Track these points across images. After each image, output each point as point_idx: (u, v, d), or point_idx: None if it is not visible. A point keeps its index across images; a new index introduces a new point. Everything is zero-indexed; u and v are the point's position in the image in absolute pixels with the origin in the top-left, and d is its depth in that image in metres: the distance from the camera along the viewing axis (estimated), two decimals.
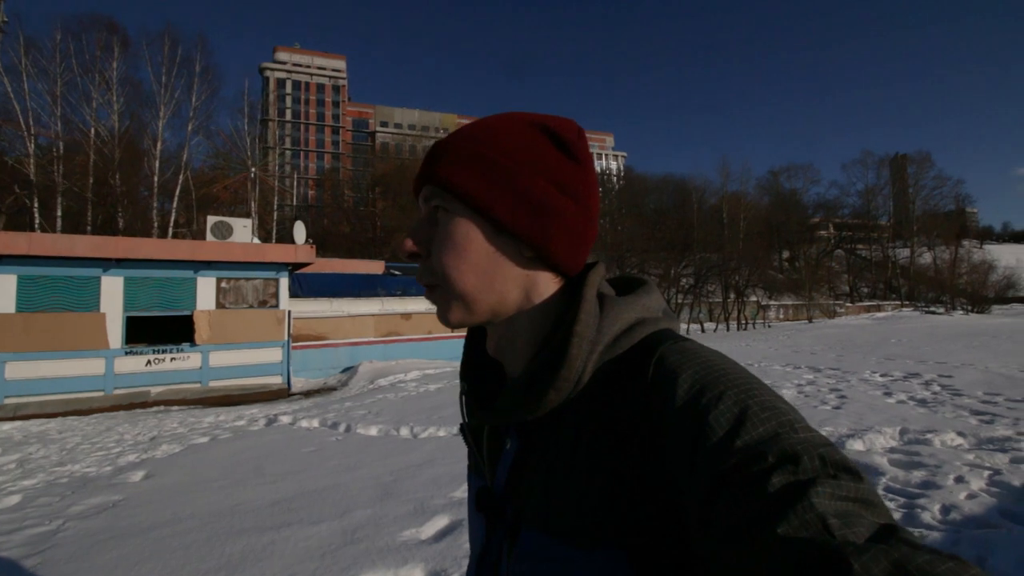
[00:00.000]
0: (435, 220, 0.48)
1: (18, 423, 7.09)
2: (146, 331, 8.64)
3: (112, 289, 8.21)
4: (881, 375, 8.19)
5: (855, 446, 4.19)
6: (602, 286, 0.49)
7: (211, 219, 10.08)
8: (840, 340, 16.97)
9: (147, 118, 29.83)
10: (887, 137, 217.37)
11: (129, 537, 3.01)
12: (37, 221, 25.72)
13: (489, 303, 0.47)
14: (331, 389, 10.02)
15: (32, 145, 26.43)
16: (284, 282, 9.69)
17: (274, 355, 9.51)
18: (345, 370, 11.29)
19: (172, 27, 30.55)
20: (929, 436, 4.25)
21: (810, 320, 32.92)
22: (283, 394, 9.42)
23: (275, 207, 33.53)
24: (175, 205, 29.56)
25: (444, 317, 0.48)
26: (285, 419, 6.43)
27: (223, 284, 9.12)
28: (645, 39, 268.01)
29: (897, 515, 2.83)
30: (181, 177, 29.57)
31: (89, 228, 26.47)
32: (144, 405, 8.24)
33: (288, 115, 75.31)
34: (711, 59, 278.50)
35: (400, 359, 11.96)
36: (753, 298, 31.23)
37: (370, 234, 41.31)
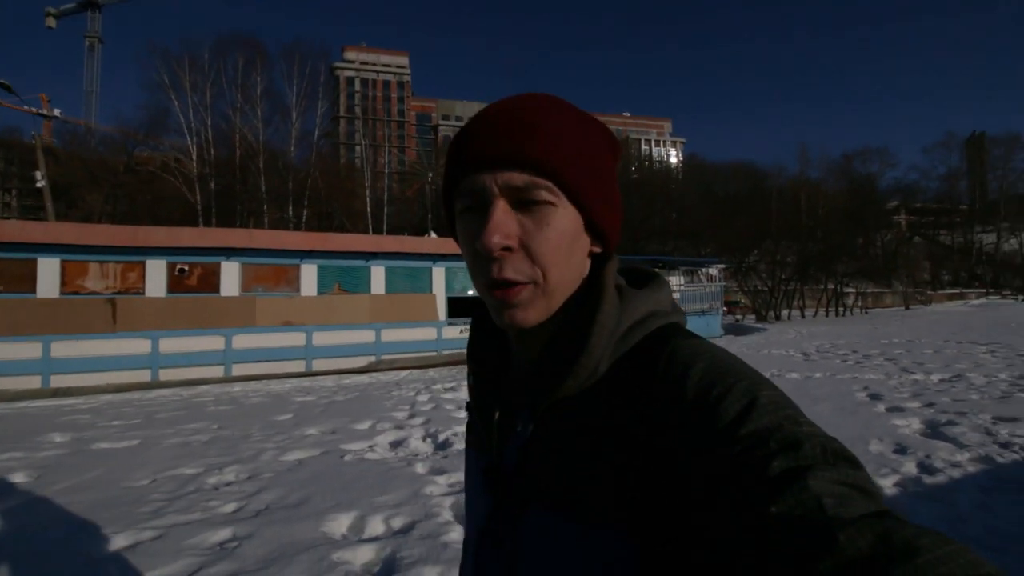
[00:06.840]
0: (528, 211, 0.44)
1: (401, 372, 10.12)
2: (456, 308, 11.59)
3: (438, 277, 11.21)
4: None
5: None
6: (615, 278, 0.50)
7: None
8: (959, 324, 17.50)
9: (284, 126, 33.98)
10: (974, 120, 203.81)
11: None
12: (200, 218, 30.09)
13: (563, 297, 0.47)
14: None
15: (195, 153, 30.76)
16: None
17: None
18: None
19: (301, 42, 34.52)
20: None
21: (907, 307, 33.70)
22: None
23: (385, 202, 37.07)
24: (306, 202, 33.45)
25: (523, 316, 0.45)
26: None
27: None
28: (701, 21, 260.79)
29: None
30: (310, 179, 33.41)
31: (238, 222, 30.60)
32: (462, 363, 11.21)
33: (357, 112, 78.99)
34: (772, 40, 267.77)
35: None
36: (831, 285, 31.51)
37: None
